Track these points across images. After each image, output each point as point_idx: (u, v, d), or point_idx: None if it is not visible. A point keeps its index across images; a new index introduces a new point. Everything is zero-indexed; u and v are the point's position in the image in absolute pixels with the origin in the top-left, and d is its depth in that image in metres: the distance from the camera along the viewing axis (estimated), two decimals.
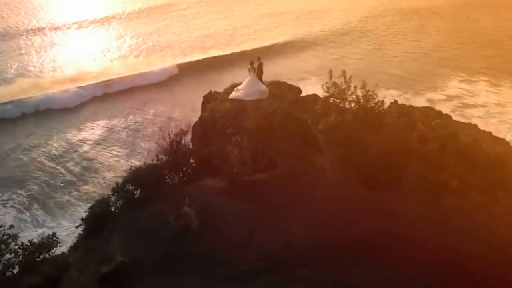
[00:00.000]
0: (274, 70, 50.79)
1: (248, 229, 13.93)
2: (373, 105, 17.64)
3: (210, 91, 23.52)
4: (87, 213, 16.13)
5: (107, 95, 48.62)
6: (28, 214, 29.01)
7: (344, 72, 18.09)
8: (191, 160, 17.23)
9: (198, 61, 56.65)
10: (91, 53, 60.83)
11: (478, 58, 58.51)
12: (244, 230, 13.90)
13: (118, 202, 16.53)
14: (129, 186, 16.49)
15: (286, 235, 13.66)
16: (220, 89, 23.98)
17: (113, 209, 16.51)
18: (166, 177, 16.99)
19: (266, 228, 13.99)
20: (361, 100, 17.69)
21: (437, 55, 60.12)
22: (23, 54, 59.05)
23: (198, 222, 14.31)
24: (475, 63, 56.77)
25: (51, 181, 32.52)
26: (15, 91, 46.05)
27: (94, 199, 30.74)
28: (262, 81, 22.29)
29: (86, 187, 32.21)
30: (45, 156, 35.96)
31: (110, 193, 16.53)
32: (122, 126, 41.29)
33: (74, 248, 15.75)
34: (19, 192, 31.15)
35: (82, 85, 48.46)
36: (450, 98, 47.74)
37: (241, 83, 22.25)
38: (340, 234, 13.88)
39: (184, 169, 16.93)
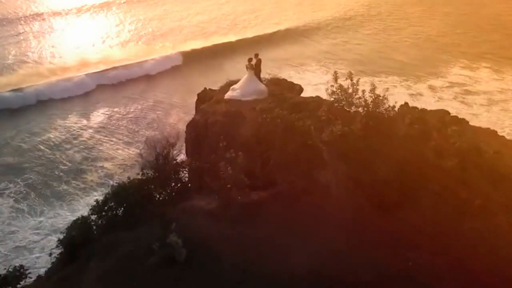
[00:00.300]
0: (275, 55, 48.44)
1: (243, 263, 11.40)
2: (383, 111, 14.87)
3: (205, 88, 20.72)
4: (64, 235, 13.62)
5: (108, 85, 45.52)
6: (25, 203, 27.09)
7: (351, 73, 15.20)
8: (180, 174, 14.55)
9: (203, 49, 53.19)
10: (91, 39, 57.29)
11: (481, 44, 55.00)
12: (239, 264, 11.36)
13: (100, 221, 14.04)
14: (111, 204, 13.91)
15: (287, 269, 11.16)
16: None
17: (94, 227, 14.07)
18: (154, 192, 14.40)
19: (264, 260, 11.48)
20: (370, 106, 14.91)
21: (440, 40, 56.62)
22: (21, 40, 55.81)
23: (186, 252, 11.84)
24: (478, 48, 53.35)
25: (49, 170, 30.47)
26: (14, 79, 43.37)
27: (92, 188, 29.37)
28: (260, 79, 19.40)
29: (85, 176, 30.08)
30: (44, 144, 33.78)
31: (90, 212, 13.96)
32: (123, 114, 38.84)
33: (47, 277, 13.27)
34: (17, 180, 29.11)
35: (83, 74, 45.46)
36: (452, 84, 44.79)
37: (238, 80, 19.39)
38: (349, 266, 11.51)
39: (172, 185, 14.30)
